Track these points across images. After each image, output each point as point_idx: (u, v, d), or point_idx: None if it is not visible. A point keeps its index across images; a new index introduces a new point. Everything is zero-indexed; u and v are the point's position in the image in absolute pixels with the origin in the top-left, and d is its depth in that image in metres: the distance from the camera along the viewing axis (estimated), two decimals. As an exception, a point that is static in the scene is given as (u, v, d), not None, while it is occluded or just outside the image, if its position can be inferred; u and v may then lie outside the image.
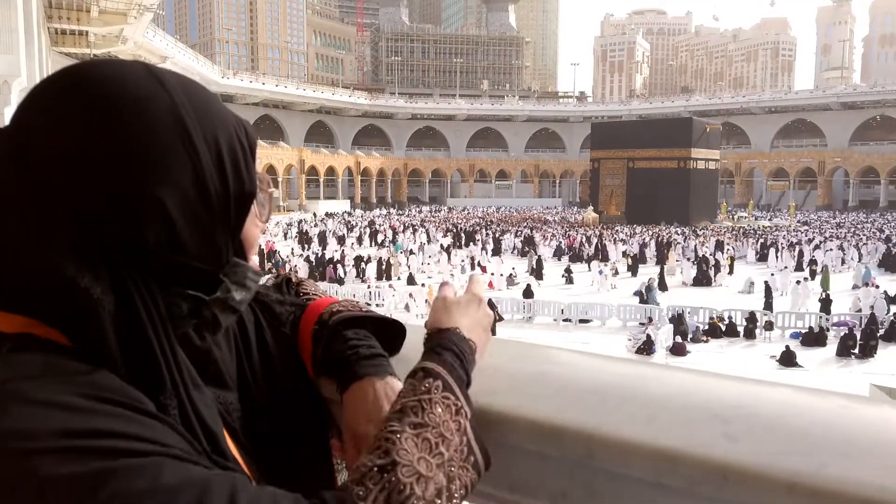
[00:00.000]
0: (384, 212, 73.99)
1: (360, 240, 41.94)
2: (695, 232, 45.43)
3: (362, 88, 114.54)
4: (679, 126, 57.56)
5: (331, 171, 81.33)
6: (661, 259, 32.35)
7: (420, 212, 74.13)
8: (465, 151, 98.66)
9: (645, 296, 22.99)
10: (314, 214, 66.04)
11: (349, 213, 69.95)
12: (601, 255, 33.95)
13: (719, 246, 35.88)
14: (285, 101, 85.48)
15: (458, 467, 0.69)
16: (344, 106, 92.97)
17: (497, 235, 42.36)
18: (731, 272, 29.50)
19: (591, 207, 58.29)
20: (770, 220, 60.61)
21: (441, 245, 37.31)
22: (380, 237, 41.98)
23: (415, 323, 0.85)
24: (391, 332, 0.96)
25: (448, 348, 0.78)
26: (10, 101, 23.20)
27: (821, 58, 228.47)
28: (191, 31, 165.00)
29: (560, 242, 38.32)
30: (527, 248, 35.68)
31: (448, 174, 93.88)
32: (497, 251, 36.44)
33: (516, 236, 42.28)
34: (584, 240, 39.09)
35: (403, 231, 44.92)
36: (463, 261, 31.42)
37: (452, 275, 27.46)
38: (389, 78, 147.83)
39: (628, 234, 43.77)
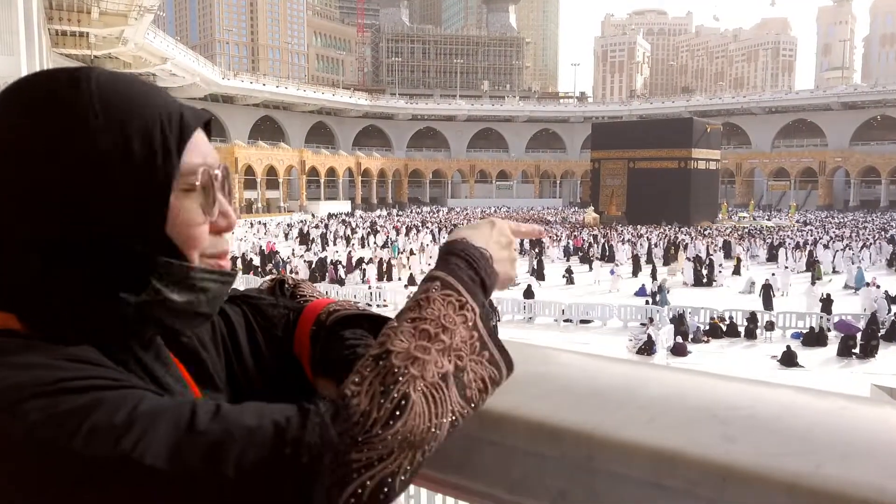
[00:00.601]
0: (384, 212, 73.96)
1: (362, 241, 41.94)
2: (701, 233, 45.42)
3: (363, 89, 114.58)
4: (680, 126, 57.50)
5: (331, 171, 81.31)
6: (669, 259, 32.32)
7: (420, 213, 74.11)
8: (465, 152, 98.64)
9: (657, 296, 22.90)
10: (312, 215, 66.05)
11: (349, 214, 69.91)
12: (609, 255, 33.94)
13: (727, 246, 35.84)
14: (286, 101, 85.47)
15: (469, 359, 0.69)
16: (344, 107, 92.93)
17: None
18: (737, 272, 29.37)
19: (591, 208, 58.25)
20: (768, 219, 60.58)
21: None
22: (381, 238, 41.97)
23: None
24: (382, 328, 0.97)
25: (452, 253, 0.78)
26: None
27: (821, 58, 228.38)
28: (191, 33, 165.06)
29: (568, 243, 38.21)
30: (535, 249, 35.80)
31: (449, 175, 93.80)
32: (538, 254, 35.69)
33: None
34: (591, 240, 39.13)
35: (407, 233, 44.81)
36: None
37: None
38: (390, 78, 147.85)
39: (635, 234, 43.69)
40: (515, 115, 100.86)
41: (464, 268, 0.77)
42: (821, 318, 19.62)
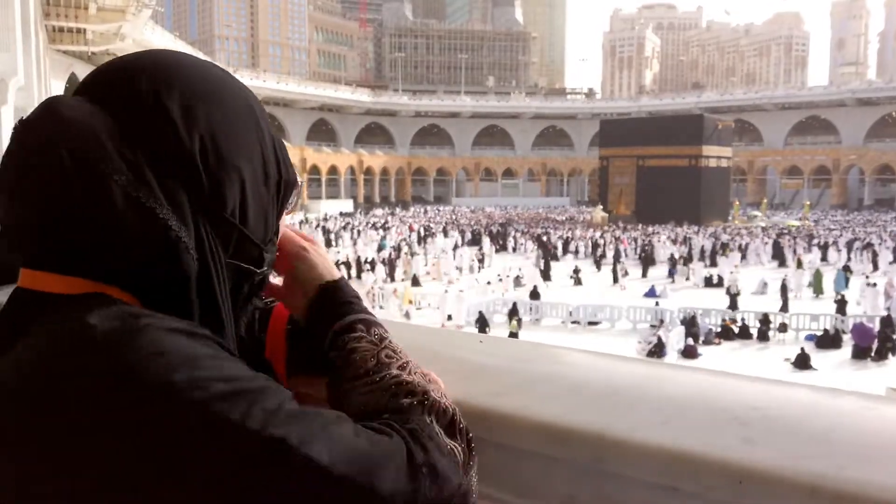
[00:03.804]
0: (388, 211, 72.52)
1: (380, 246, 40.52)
2: (749, 231, 45.16)
3: (365, 85, 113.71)
4: (690, 123, 56.86)
5: (333, 170, 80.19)
6: (714, 261, 32.00)
7: (425, 212, 72.59)
8: (470, 149, 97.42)
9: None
10: (325, 215, 64.59)
11: (350, 215, 68.35)
12: (648, 257, 32.46)
13: (776, 247, 35.55)
14: (286, 98, 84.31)
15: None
16: (346, 103, 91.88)
17: (539, 235, 41.32)
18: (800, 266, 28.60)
19: (599, 206, 57.14)
20: (799, 219, 58.99)
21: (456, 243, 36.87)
22: (397, 238, 40.56)
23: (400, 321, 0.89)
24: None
25: (356, 296, 0.83)
26: (7, 100, 23.06)
27: (835, 53, 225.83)
28: (190, 28, 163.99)
29: (598, 243, 36.95)
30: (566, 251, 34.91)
31: (453, 173, 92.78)
32: (550, 255, 34.19)
33: (535, 237, 40.96)
34: (614, 240, 38.12)
35: (426, 237, 43.01)
36: (520, 269, 29.31)
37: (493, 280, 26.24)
38: (393, 74, 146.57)
39: (671, 235, 42.63)
40: (521, 112, 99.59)
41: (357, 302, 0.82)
42: (835, 319, 19.38)
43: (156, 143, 0.62)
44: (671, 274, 28.47)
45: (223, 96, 0.67)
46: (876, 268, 30.28)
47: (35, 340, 0.57)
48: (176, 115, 0.63)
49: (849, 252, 34.58)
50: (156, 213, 0.60)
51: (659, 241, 37.72)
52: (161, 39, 53.84)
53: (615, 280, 27.25)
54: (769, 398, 0.70)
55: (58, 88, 46.66)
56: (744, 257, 33.06)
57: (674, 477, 0.62)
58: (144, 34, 46.60)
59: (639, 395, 0.73)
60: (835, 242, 37.53)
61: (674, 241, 37.82)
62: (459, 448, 0.65)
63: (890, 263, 31.16)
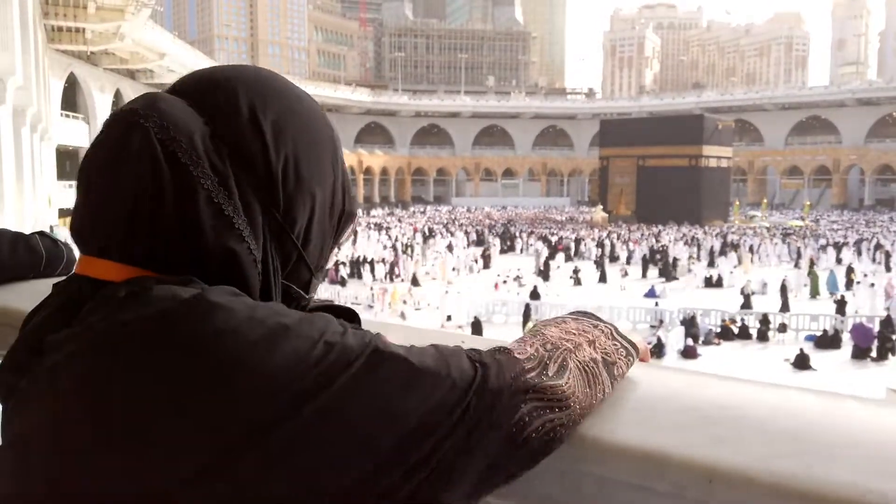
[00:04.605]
0: (387, 211, 72.38)
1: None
2: (754, 231, 45.31)
3: (365, 85, 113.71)
4: (690, 123, 56.79)
5: (333, 169, 79.50)
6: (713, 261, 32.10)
7: (423, 212, 72.44)
8: (470, 149, 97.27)
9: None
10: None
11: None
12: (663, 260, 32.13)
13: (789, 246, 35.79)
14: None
15: (617, 356, 0.74)
16: (346, 103, 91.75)
17: (545, 236, 41.15)
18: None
19: (599, 206, 57.00)
20: (802, 219, 58.95)
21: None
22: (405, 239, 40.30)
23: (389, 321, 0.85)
24: (346, 319, 0.94)
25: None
26: (6, 100, 22.76)
27: (836, 53, 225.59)
28: (190, 28, 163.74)
29: (604, 243, 36.80)
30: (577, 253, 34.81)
31: (453, 173, 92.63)
32: (565, 257, 34.17)
33: (542, 237, 40.83)
34: (623, 242, 38.02)
35: (429, 237, 42.84)
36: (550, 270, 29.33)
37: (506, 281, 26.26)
38: (392, 74, 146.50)
39: (677, 236, 42.60)
40: (521, 112, 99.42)
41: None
42: (834, 320, 19.42)
43: (244, 155, 0.62)
44: (671, 275, 28.38)
45: (311, 122, 0.68)
46: (889, 269, 30.14)
47: (106, 313, 0.56)
48: (267, 131, 0.64)
49: (858, 253, 34.60)
50: (233, 223, 0.60)
51: (671, 241, 37.80)
52: (160, 39, 53.73)
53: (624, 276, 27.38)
54: (740, 398, 0.71)
55: (56, 88, 46.52)
56: (757, 258, 33.20)
57: (644, 476, 0.63)
58: (144, 34, 46.53)
59: (615, 395, 0.73)
60: (846, 243, 37.60)
61: (686, 243, 37.81)
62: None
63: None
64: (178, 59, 60.82)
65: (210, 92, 0.65)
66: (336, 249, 0.77)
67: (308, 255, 0.69)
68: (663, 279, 27.48)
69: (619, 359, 0.72)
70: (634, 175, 55.96)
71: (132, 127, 0.60)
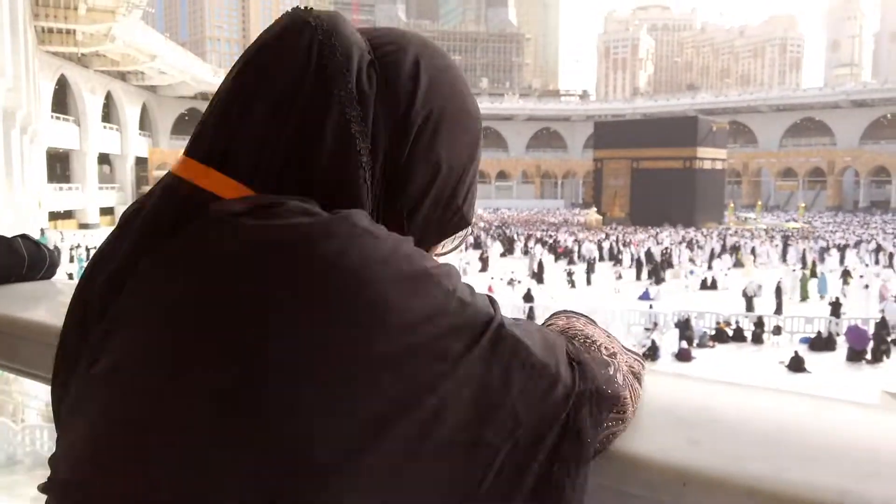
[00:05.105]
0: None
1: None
2: (752, 233, 45.36)
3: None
4: (684, 125, 56.64)
5: (327, 172, 79.31)
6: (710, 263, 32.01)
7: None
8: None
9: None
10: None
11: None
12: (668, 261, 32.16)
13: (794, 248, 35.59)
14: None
15: (635, 361, 0.71)
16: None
17: (547, 240, 41.08)
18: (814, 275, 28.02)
19: (594, 209, 56.79)
20: (794, 221, 58.94)
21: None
22: None
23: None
24: None
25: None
26: None
27: (830, 54, 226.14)
28: (181, 29, 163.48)
29: (611, 245, 36.71)
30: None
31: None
32: (568, 260, 33.92)
33: (542, 242, 40.62)
34: (625, 243, 37.86)
35: None
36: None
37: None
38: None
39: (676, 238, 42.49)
40: (515, 114, 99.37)
41: None
42: (829, 322, 19.36)
43: (392, 92, 0.59)
44: (661, 277, 28.25)
45: (467, 99, 0.66)
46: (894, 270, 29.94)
47: (227, 231, 0.50)
48: (423, 79, 0.60)
49: (857, 255, 34.53)
50: (360, 156, 0.56)
51: (673, 244, 37.73)
52: (151, 40, 53.44)
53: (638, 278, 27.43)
54: (717, 400, 0.71)
55: (47, 90, 46.19)
56: (758, 260, 33.11)
57: (617, 479, 0.62)
58: (135, 35, 46.26)
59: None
60: (848, 245, 37.52)
61: (688, 245, 37.71)
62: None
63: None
64: (169, 61, 60.46)
65: (385, 33, 0.63)
66: (440, 248, 0.69)
67: (410, 225, 0.62)
68: (652, 280, 27.38)
69: (640, 368, 0.70)
70: (629, 177, 55.85)
71: (298, 22, 0.58)
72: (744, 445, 0.61)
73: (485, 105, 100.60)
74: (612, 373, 0.60)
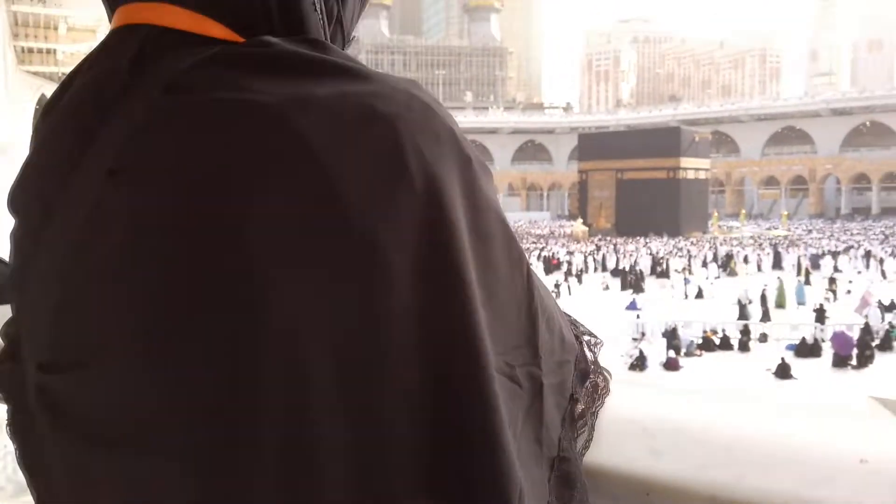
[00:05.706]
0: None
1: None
2: (739, 242, 45.72)
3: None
4: (667, 135, 56.98)
5: (313, 187, 79.16)
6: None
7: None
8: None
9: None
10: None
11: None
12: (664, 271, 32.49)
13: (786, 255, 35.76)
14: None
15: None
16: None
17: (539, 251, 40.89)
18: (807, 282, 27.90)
19: (580, 220, 56.82)
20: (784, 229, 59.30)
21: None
22: None
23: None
24: None
25: None
26: None
27: (809, 63, 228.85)
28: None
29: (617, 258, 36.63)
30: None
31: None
32: (567, 273, 33.49)
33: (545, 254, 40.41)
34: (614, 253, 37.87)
35: None
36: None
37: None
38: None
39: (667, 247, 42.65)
40: (500, 127, 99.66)
41: None
42: (814, 328, 19.47)
43: None
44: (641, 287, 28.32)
45: None
46: (885, 276, 29.96)
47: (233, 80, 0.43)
48: None
49: (849, 261, 34.75)
50: None
51: (667, 254, 37.87)
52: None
53: (635, 290, 27.15)
54: (679, 410, 0.71)
55: (27, 110, 45.86)
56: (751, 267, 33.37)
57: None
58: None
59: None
60: (838, 252, 37.73)
61: (681, 256, 37.76)
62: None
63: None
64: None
65: None
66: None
67: (345, 13, 0.57)
68: (630, 290, 27.33)
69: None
70: (613, 188, 56.07)
71: None
72: (705, 454, 0.61)
73: (469, 119, 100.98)
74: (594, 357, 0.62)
